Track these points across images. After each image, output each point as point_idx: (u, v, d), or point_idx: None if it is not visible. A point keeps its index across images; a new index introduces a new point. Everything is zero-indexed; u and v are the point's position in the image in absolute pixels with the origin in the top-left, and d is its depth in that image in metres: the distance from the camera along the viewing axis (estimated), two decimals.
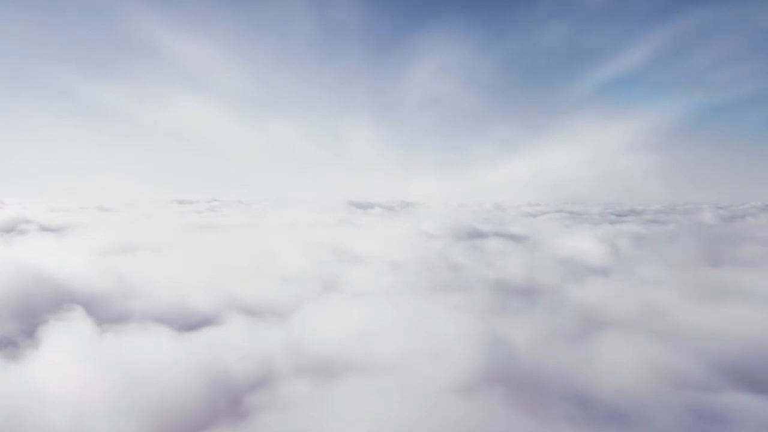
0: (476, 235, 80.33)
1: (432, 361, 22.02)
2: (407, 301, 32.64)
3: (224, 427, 18.24)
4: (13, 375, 20.32)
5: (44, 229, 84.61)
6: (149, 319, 28.16)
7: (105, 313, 29.95)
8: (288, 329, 28.33)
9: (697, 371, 22.49)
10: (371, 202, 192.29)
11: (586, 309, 33.52)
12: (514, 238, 78.52)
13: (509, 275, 46.74)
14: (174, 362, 21.76)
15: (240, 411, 19.26)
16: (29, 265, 39.31)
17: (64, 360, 21.19)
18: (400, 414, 17.54)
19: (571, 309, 33.41)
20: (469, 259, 55.94)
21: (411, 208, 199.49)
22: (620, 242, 68.36)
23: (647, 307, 32.94)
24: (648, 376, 21.49)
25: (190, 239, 72.06)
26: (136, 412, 18.32)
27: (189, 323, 28.86)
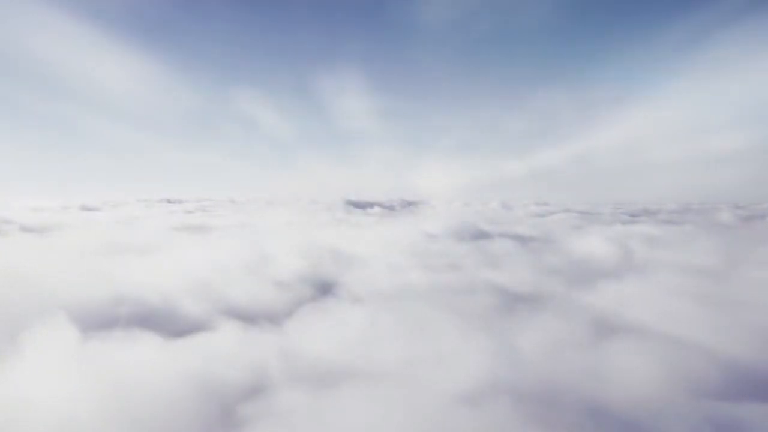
0: (481, 236, 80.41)
1: (435, 368, 22.02)
2: (408, 305, 32.65)
3: None
4: None
5: (25, 229, 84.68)
6: (136, 325, 28.18)
7: (90, 319, 29.92)
8: (283, 335, 28.31)
9: (715, 380, 22.48)
10: (370, 201, 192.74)
11: (598, 314, 33.51)
12: (521, 239, 78.60)
13: (516, 278, 46.75)
14: (163, 371, 21.75)
15: (232, 422, 19.25)
16: (9, 267, 39.30)
17: (46, 368, 21.16)
18: (401, 424, 17.53)
19: (581, 314, 33.39)
20: (473, 262, 55.95)
21: (413, 207, 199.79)
22: (633, 244, 68.38)
23: (662, 312, 32.93)
24: (663, 385, 21.48)
25: (179, 240, 72.02)
26: (123, 423, 18.30)
27: (178, 329, 28.86)
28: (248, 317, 31.53)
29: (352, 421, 18.10)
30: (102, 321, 30.17)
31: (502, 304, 36.46)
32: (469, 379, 20.90)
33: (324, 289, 41.74)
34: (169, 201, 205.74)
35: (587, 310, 34.71)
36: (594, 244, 66.03)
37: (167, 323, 30.91)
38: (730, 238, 75.32)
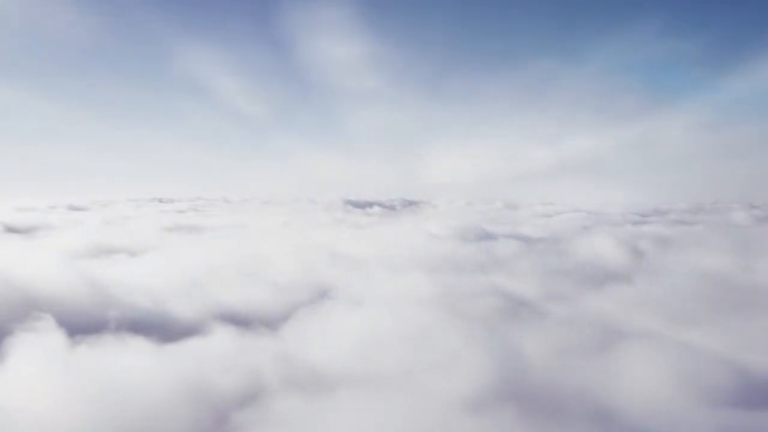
0: (485, 236, 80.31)
1: (437, 374, 22.01)
2: (409, 309, 32.63)
3: None
4: None
5: (10, 229, 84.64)
6: (126, 330, 28.11)
7: (77, 323, 29.84)
8: (279, 340, 28.30)
9: (728, 386, 22.48)
10: (370, 200, 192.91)
11: (606, 318, 33.52)
12: (527, 240, 78.53)
13: (521, 281, 46.72)
14: (154, 377, 21.74)
15: (226, 429, 19.25)
16: None
17: (32, 374, 21.16)
18: (402, 431, 17.54)
19: (589, 318, 33.40)
20: (477, 264, 55.90)
21: (414, 206, 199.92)
22: (643, 245, 68.33)
23: (673, 315, 32.94)
24: (674, 392, 21.48)
25: (171, 241, 72.03)
26: (112, 431, 18.31)
27: (170, 334, 28.81)
28: (243, 321, 31.49)
29: (350, 428, 18.12)
30: (90, 325, 30.10)
31: (507, 307, 36.45)
32: (472, 384, 20.91)
33: (322, 291, 41.65)
34: (160, 200, 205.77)
35: (595, 314, 34.71)
36: (603, 246, 65.96)
37: (159, 327, 30.84)
38: (745, 239, 75.27)
